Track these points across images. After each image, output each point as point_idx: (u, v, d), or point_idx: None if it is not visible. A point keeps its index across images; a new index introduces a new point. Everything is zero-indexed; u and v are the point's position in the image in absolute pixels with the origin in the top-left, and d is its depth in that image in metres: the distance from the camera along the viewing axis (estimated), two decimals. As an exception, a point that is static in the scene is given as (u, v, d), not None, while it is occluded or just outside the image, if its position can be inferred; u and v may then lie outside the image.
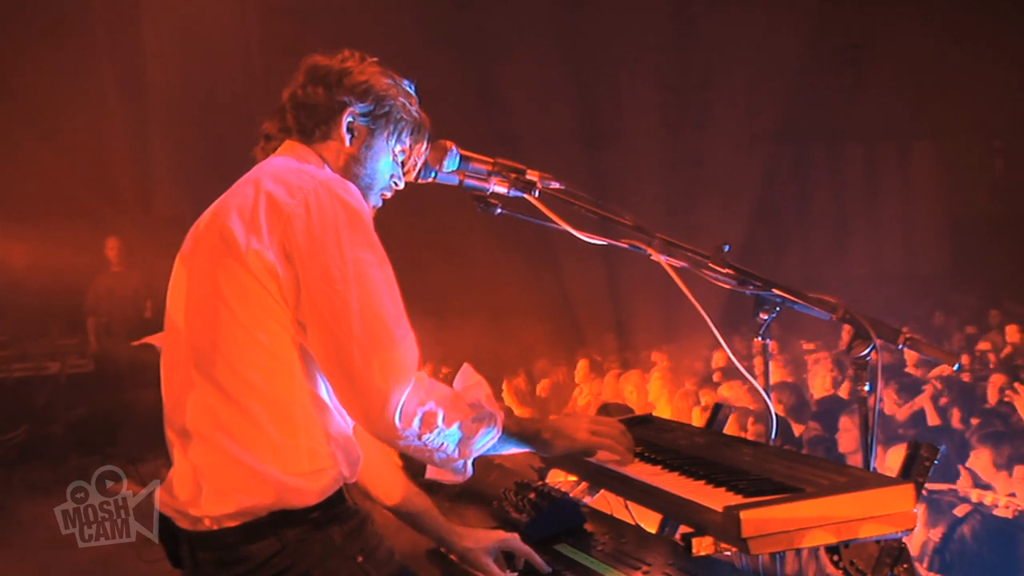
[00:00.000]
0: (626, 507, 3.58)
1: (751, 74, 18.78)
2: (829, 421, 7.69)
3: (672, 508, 2.58)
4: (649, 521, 3.66)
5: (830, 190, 19.63)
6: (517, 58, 16.96)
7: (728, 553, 2.69)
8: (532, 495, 3.39)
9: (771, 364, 10.85)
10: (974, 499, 5.31)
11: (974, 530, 4.97)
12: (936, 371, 9.03)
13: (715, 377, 10.55)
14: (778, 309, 3.25)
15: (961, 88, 18.56)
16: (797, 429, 7.73)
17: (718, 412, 3.58)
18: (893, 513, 2.34)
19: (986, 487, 5.71)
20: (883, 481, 2.42)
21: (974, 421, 7.35)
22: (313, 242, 2.51)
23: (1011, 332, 12.33)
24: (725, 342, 3.22)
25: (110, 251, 11.82)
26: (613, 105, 18.38)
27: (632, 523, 3.45)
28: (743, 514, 2.25)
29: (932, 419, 7.57)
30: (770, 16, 17.95)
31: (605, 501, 3.54)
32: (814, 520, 2.31)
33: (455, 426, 2.58)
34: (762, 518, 2.27)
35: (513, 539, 3.11)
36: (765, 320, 3.27)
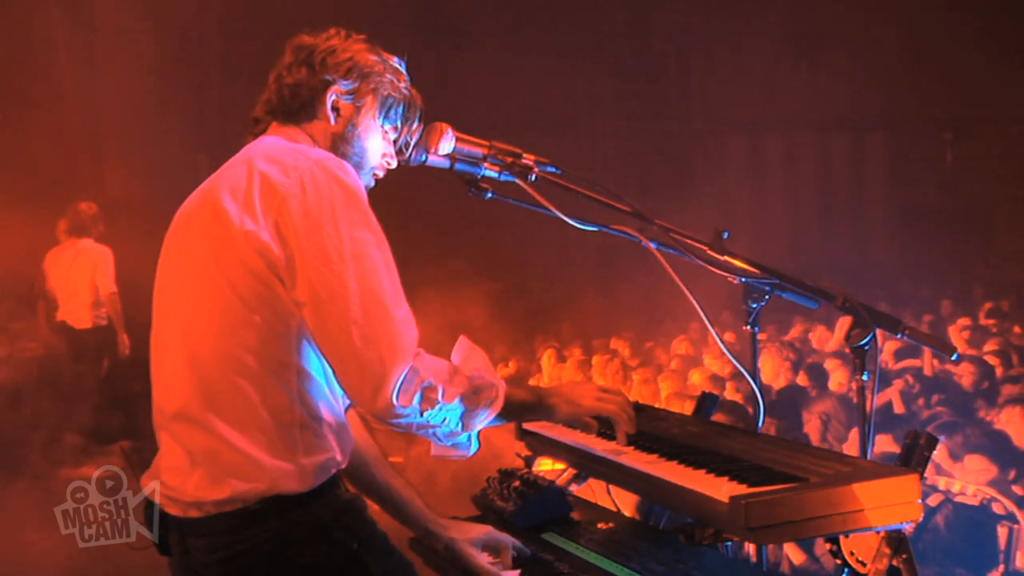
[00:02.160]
0: (608, 494, 3.55)
1: (706, 64, 18.85)
2: (788, 410, 7.71)
3: (674, 498, 2.55)
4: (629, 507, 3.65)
5: (783, 180, 19.77)
6: (472, 45, 16.90)
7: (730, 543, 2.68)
8: (517, 483, 3.35)
9: (710, 356, 10.86)
10: (942, 487, 5.34)
11: (947, 520, 5.01)
12: (905, 362, 9.10)
13: (674, 365, 10.59)
14: (767, 297, 3.23)
15: (912, 80, 18.80)
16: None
17: (705, 401, 3.56)
18: (899, 503, 2.34)
19: (949, 475, 5.75)
20: (889, 471, 2.41)
21: (940, 409, 7.40)
22: (309, 222, 2.46)
23: (962, 324, 12.48)
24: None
25: (62, 233, 11.57)
26: (569, 94, 18.38)
27: (617, 511, 3.43)
28: (750, 504, 2.23)
29: (898, 407, 7.63)
30: (725, 5, 18.03)
31: (589, 489, 3.52)
32: (820, 510, 2.29)
33: (457, 400, 2.53)
34: (769, 508, 2.25)
35: (499, 533, 3.07)
36: (754, 308, 3.26)
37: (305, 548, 2.51)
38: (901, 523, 2.35)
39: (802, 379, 9.41)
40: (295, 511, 2.51)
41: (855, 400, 7.56)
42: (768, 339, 11.72)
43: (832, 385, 8.94)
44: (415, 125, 2.97)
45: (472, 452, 2.70)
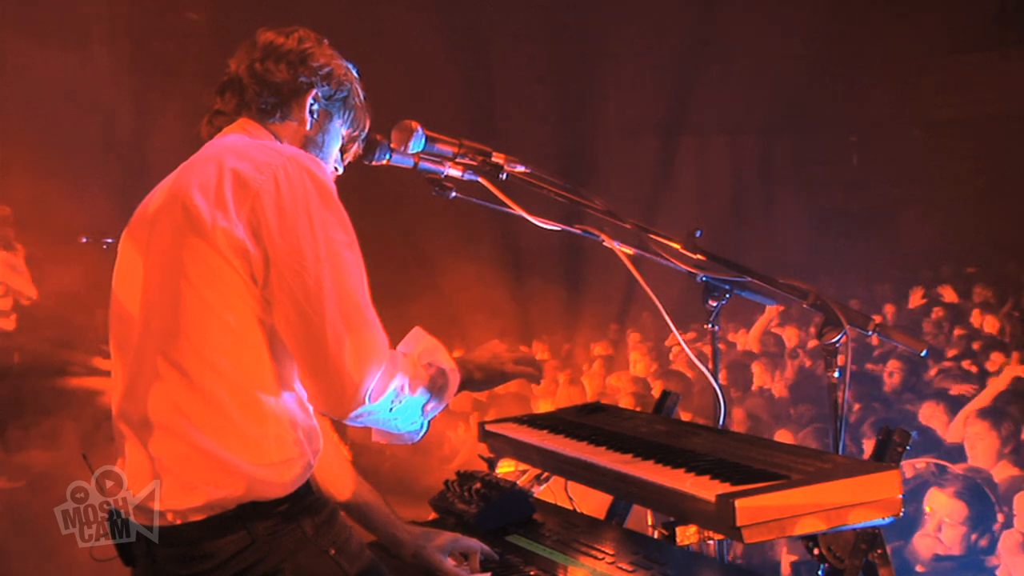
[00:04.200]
0: (566, 493, 3.54)
1: (621, 67, 18.96)
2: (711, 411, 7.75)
3: (655, 498, 2.54)
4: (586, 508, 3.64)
5: (696, 182, 19.95)
6: (387, 46, 16.75)
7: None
8: (478, 485, 3.31)
9: (637, 353, 10.89)
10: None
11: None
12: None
13: (596, 366, 10.64)
14: (727, 296, 3.26)
15: (819, 84, 19.17)
16: (685, 416, 7.82)
17: (666, 399, 3.56)
18: (880, 499, 2.35)
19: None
20: (870, 467, 2.43)
21: (856, 407, 7.51)
22: (284, 219, 2.41)
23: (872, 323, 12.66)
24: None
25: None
26: (486, 96, 18.32)
27: (578, 511, 3.42)
28: (738, 502, 2.22)
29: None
30: (637, 10, 18.17)
31: (549, 491, 3.50)
32: (805, 507, 2.30)
33: (419, 391, 2.57)
34: (755, 506, 2.25)
35: (467, 539, 3.04)
36: (714, 307, 3.28)
37: (282, 555, 2.45)
38: (884, 518, 2.36)
39: (723, 379, 9.53)
40: (271, 517, 2.45)
41: (788, 398, 7.59)
42: (692, 340, 11.83)
43: (755, 385, 9.07)
44: (363, 135, 2.96)
45: (420, 437, 2.70)
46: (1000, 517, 5.11)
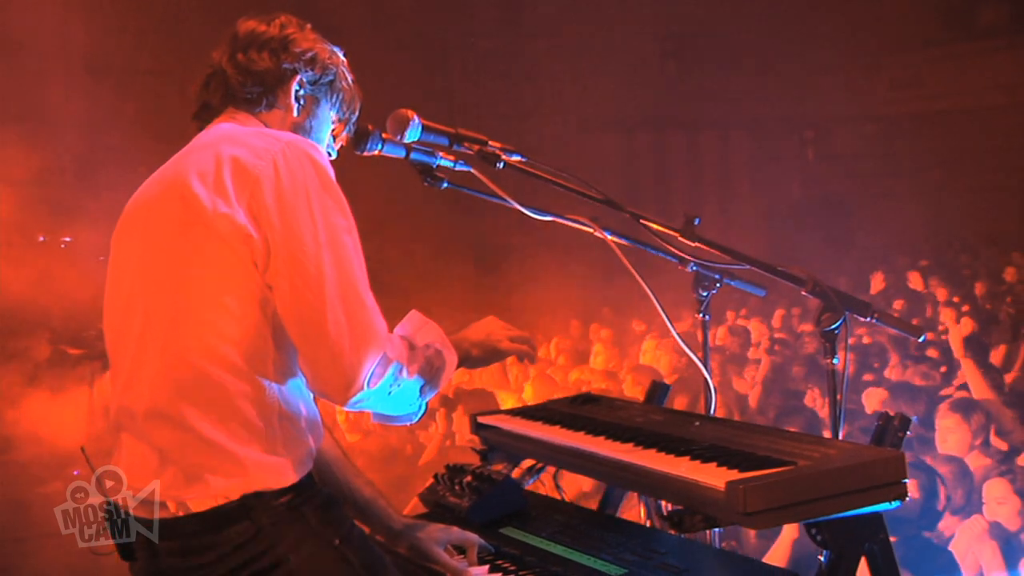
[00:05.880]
0: (556, 487, 3.52)
1: (579, 64, 18.98)
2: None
3: (660, 486, 2.51)
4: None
5: (653, 177, 20.05)
6: (340, 42, 16.67)
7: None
8: (469, 478, 3.29)
9: (600, 346, 10.86)
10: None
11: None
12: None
13: (561, 360, 10.64)
14: (718, 286, 3.27)
15: (774, 81, 19.33)
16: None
17: (656, 391, 3.55)
18: (888, 484, 2.35)
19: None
20: (876, 453, 2.43)
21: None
22: (284, 205, 2.41)
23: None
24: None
25: None
26: (442, 93, 18.30)
27: (570, 502, 3.41)
28: (748, 489, 2.21)
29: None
30: (596, 6, 18.21)
31: (538, 482, 3.48)
32: (814, 492, 2.29)
33: (417, 375, 2.56)
34: (765, 493, 2.24)
35: (463, 531, 3.02)
36: (704, 296, 3.29)
37: (286, 545, 2.42)
38: (891, 502, 2.36)
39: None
40: (275, 507, 2.43)
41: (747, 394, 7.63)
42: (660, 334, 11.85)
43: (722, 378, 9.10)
44: (354, 118, 2.95)
45: (418, 418, 2.69)
46: (942, 491, 5.21)
